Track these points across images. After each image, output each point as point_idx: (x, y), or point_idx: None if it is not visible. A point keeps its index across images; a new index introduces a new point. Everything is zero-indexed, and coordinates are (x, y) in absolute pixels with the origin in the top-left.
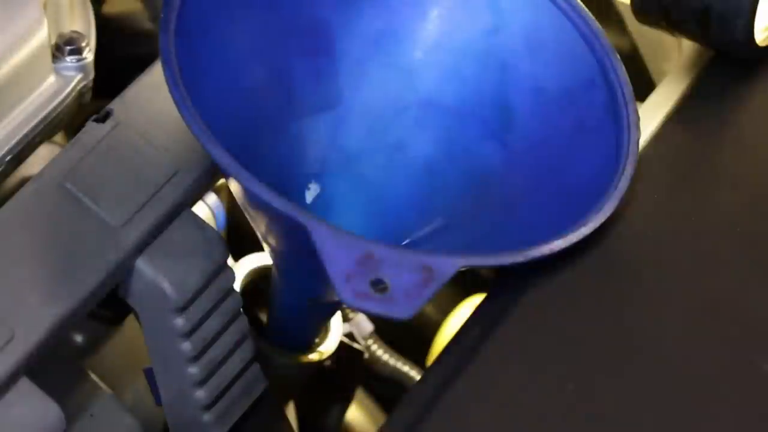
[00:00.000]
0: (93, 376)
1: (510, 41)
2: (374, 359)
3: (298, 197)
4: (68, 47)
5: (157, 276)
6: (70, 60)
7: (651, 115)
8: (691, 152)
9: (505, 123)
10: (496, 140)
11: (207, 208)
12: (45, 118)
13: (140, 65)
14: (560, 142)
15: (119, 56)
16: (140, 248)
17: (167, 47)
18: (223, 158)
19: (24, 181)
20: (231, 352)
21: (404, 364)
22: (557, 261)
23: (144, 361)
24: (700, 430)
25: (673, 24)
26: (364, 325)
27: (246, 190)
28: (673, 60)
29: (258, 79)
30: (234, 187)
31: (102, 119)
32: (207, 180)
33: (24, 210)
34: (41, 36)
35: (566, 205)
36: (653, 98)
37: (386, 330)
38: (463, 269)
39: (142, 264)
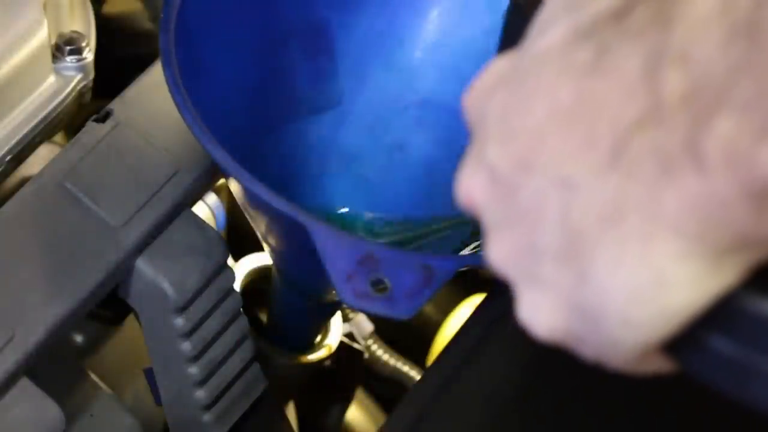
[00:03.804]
0: (93, 376)
1: None
2: (374, 359)
3: (298, 197)
4: (68, 47)
5: (157, 276)
6: (70, 60)
7: None
8: None
9: None
10: None
11: (207, 208)
12: (45, 118)
13: (140, 65)
14: None
15: (119, 56)
16: (140, 248)
17: (167, 47)
18: (224, 159)
19: (24, 181)
20: (231, 352)
21: (404, 364)
22: None
23: (144, 361)
24: (702, 429)
25: None
26: (364, 325)
27: (246, 191)
28: None
29: (258, 79)
30: (234, 187)
31: (102, 119)
32: (207, 180)
33: (24, 210)
34: (41, 36)
35: None
36: None
37: (386, 330)
38: (463, 269)
39: (142, 264)
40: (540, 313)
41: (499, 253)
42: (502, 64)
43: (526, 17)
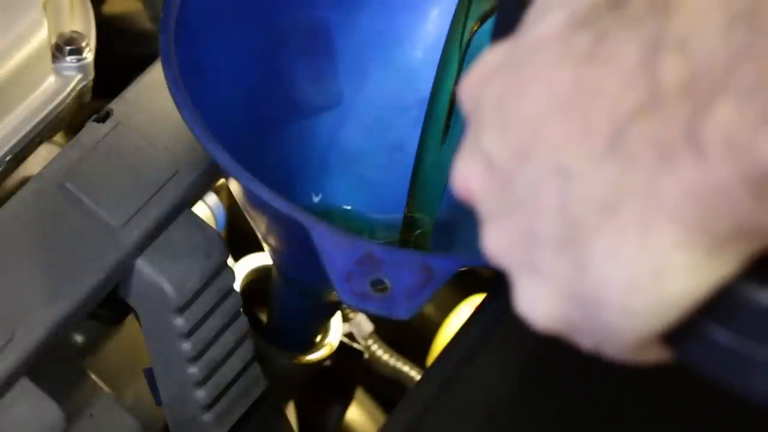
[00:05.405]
0: (93, 376)
1: None
2: (374, 359)
3: (298, 197)
4: (68, 47)
5: (157, 276)
6: (70, 60)
7: None
8: None
9: None
10: None
11: (207, 208)
12: (45, 118)
13: (140, 65)
14: None
15: (119, 56)
16: (140, 248)
17: (167, 47)
18: (224, 159)
19: (24, 181)
20: (231, 352)
21: (404, 364)
22: None
23: (144, 361)
24: (707, 427)
25: None
26: (364, 325)
27: (246, 191)
28: None
29: (258, 79)
30: (234, 187)
31: (102, 119)
32: (207, 180)
33: (24, 210)
34: (41, 36)
35: None
36: None
37: (386, 330)
38: (463, 269)
39: (142, 264)
40: (538, 303)
41: (497, 242)
42: (497, 52)
43: (521, 4)
